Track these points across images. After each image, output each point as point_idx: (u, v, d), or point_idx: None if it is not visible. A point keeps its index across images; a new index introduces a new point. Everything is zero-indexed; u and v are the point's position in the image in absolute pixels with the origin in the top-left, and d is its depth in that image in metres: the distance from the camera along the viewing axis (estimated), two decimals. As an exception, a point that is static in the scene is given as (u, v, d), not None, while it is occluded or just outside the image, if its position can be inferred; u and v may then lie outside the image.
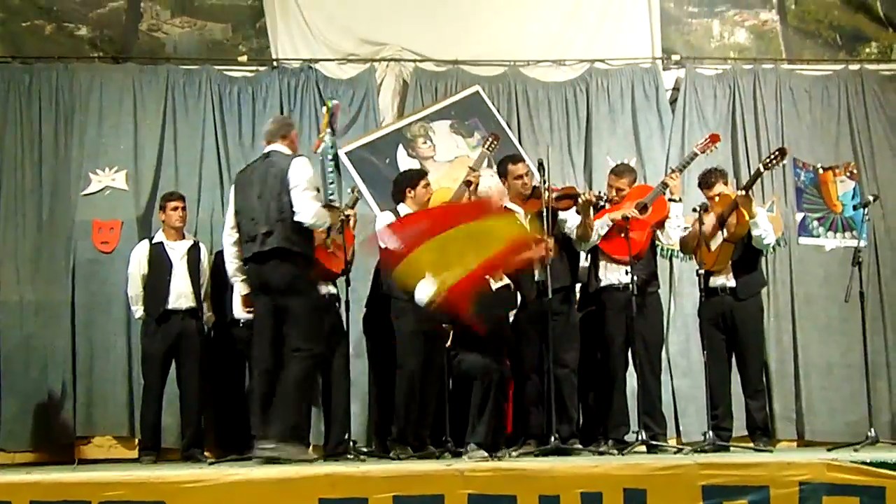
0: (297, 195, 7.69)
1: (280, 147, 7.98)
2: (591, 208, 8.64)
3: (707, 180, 9.03)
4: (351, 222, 8.91)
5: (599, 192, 9.01)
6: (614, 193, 9.02)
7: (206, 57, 11.14)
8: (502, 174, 9.06)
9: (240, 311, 8.48)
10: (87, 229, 10.39)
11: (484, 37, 11.28)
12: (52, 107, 10.68)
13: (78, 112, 10.68)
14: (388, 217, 8.92)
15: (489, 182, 9.34)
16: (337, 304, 8.95)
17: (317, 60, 11.06)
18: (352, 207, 9.05)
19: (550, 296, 8.27)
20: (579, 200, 8.61)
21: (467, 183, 8.94)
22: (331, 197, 8.35)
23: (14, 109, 10.67)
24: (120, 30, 11.19)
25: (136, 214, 10.43)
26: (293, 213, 7.68)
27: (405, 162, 10.47)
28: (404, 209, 8.96)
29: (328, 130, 8.48)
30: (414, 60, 11.16)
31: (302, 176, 7.75)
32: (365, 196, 10.02)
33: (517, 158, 9.26)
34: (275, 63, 11.04)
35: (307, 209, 7.67)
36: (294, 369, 7.74)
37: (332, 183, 8.43)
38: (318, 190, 8.05)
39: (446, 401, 8.23)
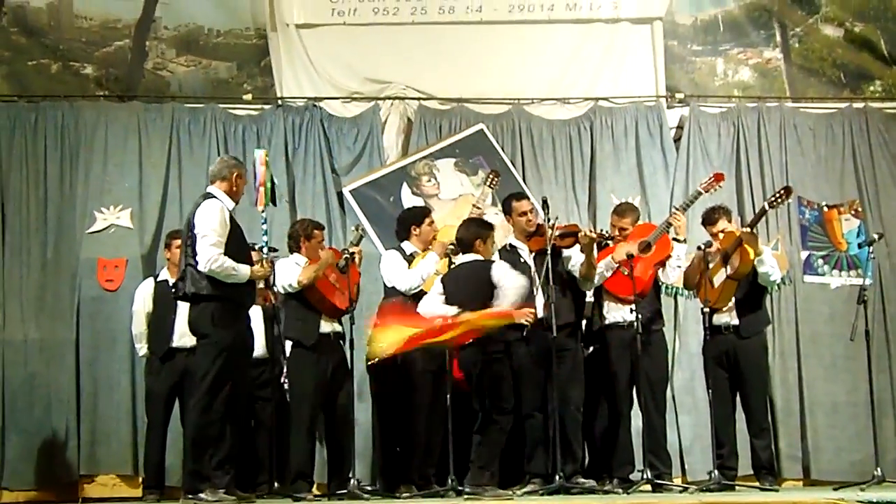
0: (197, 242, 7.64)
1: (215, 189, 7.91)
2: (594, 246, 8.64)
3: (710, 217, 9.04)
4: (356, 260, 8.90)
5: (602, 230, 9.02)
6: (617, 233, 9.01)
7: (211, 95, 11.18)
8: (507, 211, 9.07)
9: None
10: (92, 267, 10.40)
11: (488, 75, 11.31)
12: (58, 145, 10.71)
13: (83, 150, 10.71)
14: (394, 256, 8.92)
15: (493, 220, 9.34)
16: (341, 343, 8.93)
17: (321, 99, 11.09)
18: (356, 245, 9.03)
19: (555, 333, 8.25)
20: (580, 238, 8.61)
21: (472, 222, 8.97)
22: (265, 249, 8.25)
23: (20, 147, 10.69)
24: (125, 68, 11.24)
25: (141, 252, 10.44)
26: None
27: (409, 200, 10.49)
28: (409, 247, 8.97)
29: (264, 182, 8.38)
30: (418, 98, 11.19)
31: (201, 222, 7.67)
32: (369, 234, 10.03)
33: (521, 196, 9.29)
34: (279, 101, 11.08)
35: (201, 256, 7.58)
36: (191, 425, 7.79)
37: (264, 234, 8.32)
38: (226, 234, 7.75)
39: (450, 440, 8.19)
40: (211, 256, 7.56)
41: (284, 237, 9.42)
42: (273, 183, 8.26)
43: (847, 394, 10.62)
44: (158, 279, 9.54)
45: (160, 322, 9.32)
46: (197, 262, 7.61)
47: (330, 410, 8.86)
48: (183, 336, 9.05)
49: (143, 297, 9.51)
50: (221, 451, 7.58)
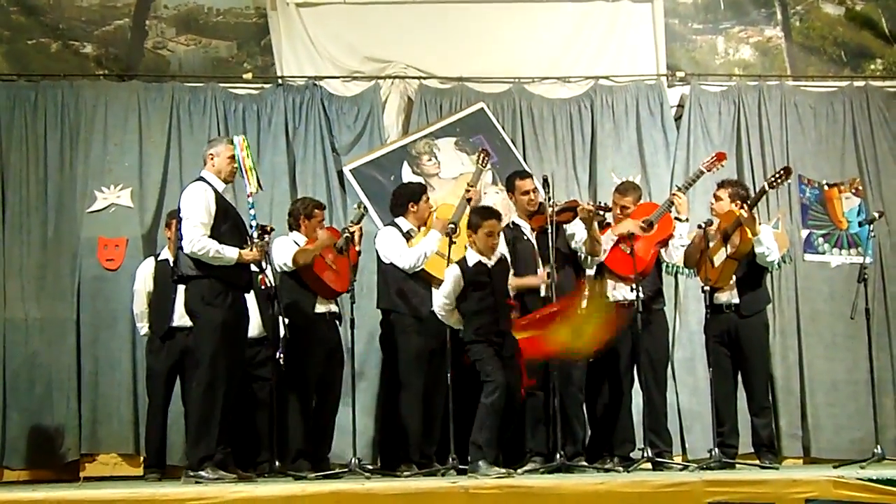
0: (182, 224, 7.72)
1: (205, 172, 7.98)
2: (594, 220, 8.62)
3: (722, 183, 9.07)
4: (356, 238, 8.89)
5: (600, 203, 9.02)
6: (619, 211, 9.02)
7: (211, 74, 11.14)
8: (510, 189, 9.09)
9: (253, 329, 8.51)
10: (93, 246, 10.39)
11: (489, 54, 11.28)
12: (58, 124, 10.68)
13: (83, 129, 10.67)
14: (392, 232, 8.91)
15: (494, 198, 9.33)
16: (337, 323, 8.93)
17: (322, 78, 11.06)
18: (357, 223, 9.02)
19: (556, 312, 8.26)
20: (579, 211, 8.60)
21: (467, 200, 8.95)
22: (254, 233, 8.24)
23: (19, 127, 10.66)
24: (125, 48, 11.21)
25: (142, 232, 10.42)
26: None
27: (410, 179, 10.48)
28: (405, 224, 8.96)
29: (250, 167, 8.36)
30: (419, 77, 11.16)
31: (184, 205, 7.77)
32: (370, 212, 10.02)
33: (524, 174, 9.30)
34: (280, 80, 11.05)
35: (185, 239, 7.66)
36: (192, 404, 7.90)
37: (253, 218, 8.32)
38: (211, 216, 7.78)
39: (451, 418, 8.19)
40: (193, 238, 7.62)
41: (283, 215, 9.46)
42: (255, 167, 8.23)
43: (847, 372, 10.64)
44: (159, 258, 9.54)
45: (160, 301, 9.32)
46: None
47: (320, 391, 8.88)
48: (183, 316, 9.00)
49: (144, 277, 9.52)
50: (221, 430, 7.62)
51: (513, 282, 8.48)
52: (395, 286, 8.81)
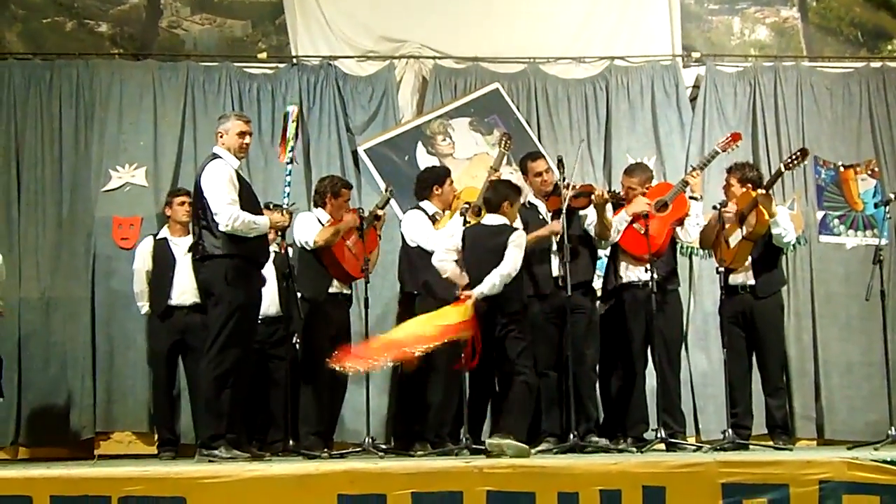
0: (211, 204, 7.67)
1: (218, 149, 7.94)
2: (607, 206, 8.60)
3: (730, 168, 9.06)
4: (377, 224, 8.89)
5: (613, 191, 9.01)
6: (626, 193, 8.99)
7: (226, 54, 11.14)
8: (523, 172, 9.05)
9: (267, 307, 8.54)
10: (107, 225, 10.42)
11: (504, 34, 11.26)
12: (73, 103, 10.70)
13: (98, 109, 10.69)
14: (419, 215, 8.89)
15: (509, 179, 9.30)
16: (348, 304, 8.93)
17: (336, 57, 11.06)
18: (381, 208, 9.02)
19: (570, 292, 8.24)
20: (594, 198, 8.58)
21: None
22: (285, 200, 8.27)
23: (34, 106, 10.68)
24: (140, 27, 11.21)
25: (156, 211, 10.40)
26: (210, 218, 7.69)
27: (424, 159, 10.51)
28: (430, 207, 8.93)
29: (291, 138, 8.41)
30: (434, 57, 11.15)
31: (210, 184, 7.71)
32: (395, 197, 10.01)
33: (537, 155, 9.23)
34: (294, 60, 11.04)
35: (221, 216, 7.61)
36: (204, 384, 7.80)
37: (287, 185, 8.35)
38: (236, 191, 7.77)
39: (465, 399, 8.19)
40: (231, 214, 7.58)
41: (297, 194, 9.44)
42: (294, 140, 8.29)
43: (861, 354, 10.63)
44: (158, 237, 9.55)
45: (159, 280, 9.36)
46: (209, 224, 7.67)
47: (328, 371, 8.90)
48: (182, 293, 9.11)
49: (143, 256, 9.53)
50: (233, 410, 7.64)
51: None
52: (422, 270, 8.75)
